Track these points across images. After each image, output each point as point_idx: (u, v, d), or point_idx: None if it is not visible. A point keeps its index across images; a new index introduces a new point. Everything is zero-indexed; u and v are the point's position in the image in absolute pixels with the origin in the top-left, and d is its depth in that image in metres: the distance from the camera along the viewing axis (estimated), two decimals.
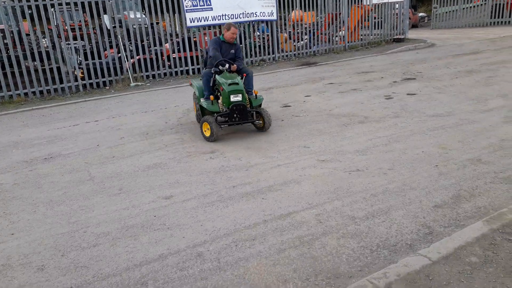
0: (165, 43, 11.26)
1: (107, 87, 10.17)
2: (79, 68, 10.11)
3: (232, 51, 5.89)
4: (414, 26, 23.42)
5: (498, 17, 20.03)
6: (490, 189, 3.59)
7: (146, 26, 11.23)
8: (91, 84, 10.10)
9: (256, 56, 12.50)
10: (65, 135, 6.26)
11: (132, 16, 11.55)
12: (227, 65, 5.60)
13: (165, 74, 11.05)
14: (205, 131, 5.42)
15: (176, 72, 11.16)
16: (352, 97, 7.41)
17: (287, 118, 6.37)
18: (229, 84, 5.32)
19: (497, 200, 3.38)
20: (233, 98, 5.29)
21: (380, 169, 4.16)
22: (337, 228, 3.15)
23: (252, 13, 12.06)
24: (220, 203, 3.65)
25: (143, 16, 11.62)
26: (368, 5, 14.50)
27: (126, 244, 3.12)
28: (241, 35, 12.07)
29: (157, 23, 11.42)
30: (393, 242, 2.92)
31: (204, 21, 11.36)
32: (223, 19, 11.57)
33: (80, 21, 10.34)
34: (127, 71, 10.46)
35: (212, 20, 11.46)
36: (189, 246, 3.01)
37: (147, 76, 10.83)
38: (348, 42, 14.24)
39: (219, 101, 5.52)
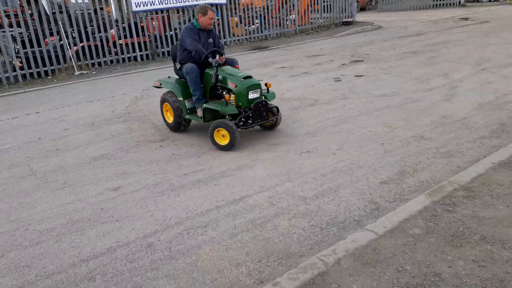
0: (111, 29, 10.77)
1: (49, 77, 9.60)
2: (17, 57, 9.45)
3: (210, 40, 4.89)
4: (362, 9, 23.92)
5: (440, 0, 20.92)
6: (432, 163, 3.77)
7: (89, 11, 10.66)
8: (31, 74, 9.49)
9: None
10: (3, 129, 5.85)
11: (73, 1, 10.91)
12: (217, 57, 4.63)
13: (111, 61, 10.59)
14: (219, 138, 4.42)
15: (124, 59, 10.73)
16: (303, 80, 7.48)
17: None
18: (244, 78, 4.40)
19: (438, 174, 3.56)
20: (251, 95, 4.39)
21: (329, 150, 4.25)
22: (289, 209, 3.18)
23: None
24: (171, 192, 3.57)
25: (86, 1, 11.02)
26: None
27: (72, 239, 2.98)
28: (190, 19, 11.78)
29: (101, 9, 10.88)
30: (341, 219, 3.00)
31: (151, 5, 10.96)
32: (170, 3, 11.22)
33: (15, 7, 9.62)
34: (70, 59, 9.91)
35: (159, 4, 11.08)
36: (139, 237, 2.93)
37: (93, 64, 10.33)
38: (298, 26, 14.32)
39: (230, 100, 4.42)
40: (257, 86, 4.44)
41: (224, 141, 4.39)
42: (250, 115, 4.45)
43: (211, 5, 12.23)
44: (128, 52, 10.80)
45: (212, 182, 3.70)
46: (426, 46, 9.88)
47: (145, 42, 11.00)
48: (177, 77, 5.06)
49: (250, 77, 4.46)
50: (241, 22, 13.26)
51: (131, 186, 3.74)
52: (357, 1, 21.80)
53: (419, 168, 3.70)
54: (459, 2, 20.38)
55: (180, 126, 4.97)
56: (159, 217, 3.18)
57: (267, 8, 13.77)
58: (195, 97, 4.70)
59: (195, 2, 11.69)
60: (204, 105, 4.54)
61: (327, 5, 15.26)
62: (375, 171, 3.70)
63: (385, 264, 2.40)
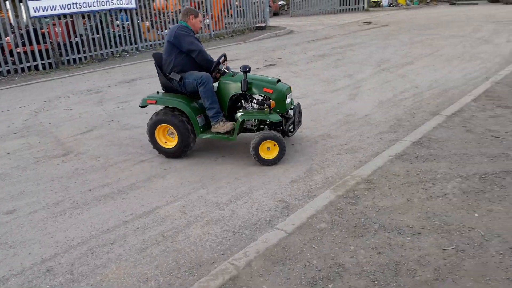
0: (6, 37, 9.82)
1: None
2: None
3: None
4: (275, 14, 24.73)
5: (346, 5, 22.38)
6: (337, 160, 3.98)
7: None
8: None
9: (117, 46, 11.77)
10: None
11: None
12: (225, 63, 4.18)
13: (8, 71, 9.65)
14: (263, 153, 3.90)
15: (22, 69, 9.83)
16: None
17: (151, 110, 6.11)
18: (277, 82, 4.05)
19: (343, 169, 3.77)
20: (287, 100, 4.01)
21: (244, 154, 4.27)
22: (202, 216, 3.14)
23: (108, 1, 11.26)
24: (74, 210, 3.33)
25: None
26: None
27: None
28: (97, 25, 11.21)
29: None
30: (254, 221, 3.03)
31: (52, 10, 10.21)
32: (74, 8, 10.56)
33: None
34: None
35: (61, 9, 10.36)
36: (36, 263, 2.68)
37: None
38: (213, 31, 14.35)
39: (264, 108, 4.01)
40: (290, 89, 4.14)
41: (271, 155, 3.91)
42: (295, 121, 4.11)
43: (120, 9, 11.77)
44: (27, 61, 9.93)
45: (120, 196, 3.52)
46: (334, 49, 10.47)
47: (47, 50, 10.21)
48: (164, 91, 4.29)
49: (279, 80, 4.12)
50: (152, 27, 12.93)
51: (28, 208, 3.41)
52: (270, 6, 22.48)
53: (326, 165, 3.88)
54: (363, 7, 21.99)
55: (188, 149, 4.14)
56: (60, 238, 2.94)
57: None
58: (213, 111, 3.99)
59: (101, 7, 11.15)
60: (242, 117, 3.94)
61: (240, 10, 15.50)
62: (286, 171, 3.81)
63: (293, 261, 2.47)
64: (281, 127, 4.07)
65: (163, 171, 3.97)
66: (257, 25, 15.76)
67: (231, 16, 15.34)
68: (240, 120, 3.93)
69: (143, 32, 12.57)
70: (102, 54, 11.40)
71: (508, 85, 5.74)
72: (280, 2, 26.70)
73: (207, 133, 4.10)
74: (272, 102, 3.89)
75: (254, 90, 4.02)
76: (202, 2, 14.06)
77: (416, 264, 2.37)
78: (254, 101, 4.15)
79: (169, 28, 13.30)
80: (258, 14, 16.11)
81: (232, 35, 14.67)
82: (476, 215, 2.80)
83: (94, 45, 11.29)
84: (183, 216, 3.15)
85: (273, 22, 18.06)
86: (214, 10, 14.41)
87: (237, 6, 15.36)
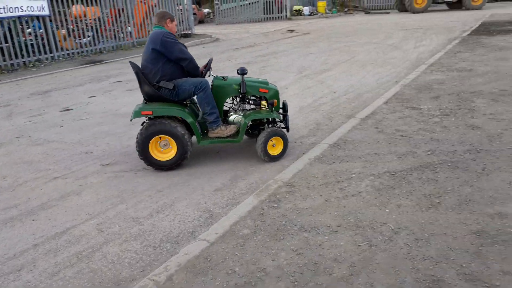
0: None
1: None
2: None
3: None
4: (200, 21, 24.72)
5: (270, 13, 23.02)
6: (261, 165, 4.04)
7: None
8: None
9: (29, 56, 10.95)
10: None
11: None
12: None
13: None
14: (270, 149, 4.04)
15: None
16: (139, 94, 7.23)
17: (67, 123, 5.78)
18: (269, 82, 4.26)
19: (266, 174, 3.84)
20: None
21: None
22: (120, 233, 3.00)
23: (17, 7, 10.45)
24: None
25: None
26: (152, 0, 14.48)
27: None
28: (5, 33, 10.34)
29: None
30: (176, 233, 2.96)
31: None
32: None
33: None
34: None
35: None
36: None
37: None
38: (136, 38, 13.94)
39: (262, 108, 4.12)
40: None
41: (276, 151, 4.08)
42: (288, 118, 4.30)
43: (31, 17, 10.97)
44: None
45: (29, 218, 3.25)
46: (258, 57, 10.69)
47: None
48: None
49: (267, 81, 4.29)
50: (69, 35, 12.22)
51: None
52: (195, 14, 22.41)
53: (250, 171, 3.93)
54: (286, 16, 22.77)
55: (185, 159, 3.99)
56: None
57: (101, 20, 13.02)
58: (214, 116, 3.97)
59: (9, 14, 10.31)
60: (250, 118, 4.01)
61: None
62: (211, 180, 3.79)
63: (216, 270, 2.44)
64: (279, 124, 4.27)
65: (78, 188, 3.75)
66: (182, 32, 15.62)
67: None
68: (248, 121, 4.02)
69: (59, 41, 11.83)
70: (12, 64, 10.54)
71: (415, 88, 6.26)
72: (206, 10, 26.76)
73: (207, 139, 4.05)
74: (275, 101, 4.14)
75: (250, 91, 4.11)
76: (123, 10, 13.61)
77: (333, 261, 2.48)
78: (251, 102, 4.24)
79: (89, 35, 12.74)
80: (182, 21, 15.97)
81: None
82: (387, 210, 3.00)
83: (3, 54, 10.40)
84: (99, 234, 2.99)
85: (198, 30, 18.04)
86: (137, 17, 14.01)
87: None
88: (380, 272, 2.36)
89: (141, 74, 3.87)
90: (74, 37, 12.41)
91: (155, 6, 14.73)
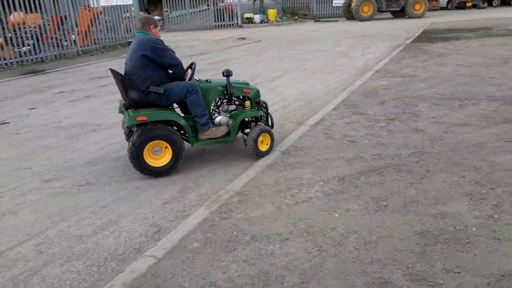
0: None
1: None
2: None
3: None
4: None
5: (221, 21, 23.03)
6: (212, 175, 3.97)
7: None
8: None
9: None
10: None
11: None
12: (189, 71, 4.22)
13: None
14: (261, 145, 4.18)
15: None
16: (84, 105, 6.95)
17: (4, 137, 5.39)
18: (249, 83, 4.46)
19: (217, 185, 3.76)
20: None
21: (111, 178, 4.00)
22: (61, 253, 2.81)
23: None
24: None
25: None
26: (97, 7, 14.01)
27: None
28: None
29: None
30: (121, 250, 2.82)
31: None
32: None
33: None
34: None
35: None
36: None
37: None
38: (81, 47, 13.40)
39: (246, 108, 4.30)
40: None
41: (265, 147, 4.23)
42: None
43: None
44: None
45: None
46: (209, 65, 10.62)
47: None
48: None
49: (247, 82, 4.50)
50: (7, 44, 11.51)
51: None
52: None
53: (201, 181, 3.84)
54: (237, 23, 22.88)
55: (179, 162, 3.97)
56: None
57: (43, 28, 12.39)
58: (205, 118, 4.02)
59: None
60: (240, 117, 4.13)
61: (111, 25, 14.79)
62: (159, 192, 3.66)
63: (164, 287, 2.34)
64: (264, 121, 4.48)
65: (15, 207, 3.48)
66: (130, 40, 15.22)
67: (101, 31, 14.53)
68: (239, 120, 4.11)
69: None
70: None
71: (362, 94, 6.47)
72: (155, 17, 26.29)
73: (199, 141, 4.08)
74: (261, 100, 4.40)
75: (235, 92, 4.26)
76: (66, 17, 13.05)
77: (284, 270, 2.45)
78: (236, 102, 4.42)
79: (29, 44, 12.04)
80: (130, 29, 15.58)
81: (103, 51, 13.89)
82: (336, 215, 3.03)
83: None
84: (38, 256, 2.78)
85: None
86: (81, 25, 13.48)
87: (106, 21, 14.62)
88: (331, 278, 2.36)
89: (128, 81, 3.73)
90: (13, 45, 11.71)
91: (101, 13, 14.28)
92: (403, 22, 19.48)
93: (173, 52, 3.95)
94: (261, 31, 19.92)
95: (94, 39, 14.12)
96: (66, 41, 13.08)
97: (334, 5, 25.47)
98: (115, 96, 7.43)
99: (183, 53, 13.22)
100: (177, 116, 3.87)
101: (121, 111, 4.20)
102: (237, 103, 4.42)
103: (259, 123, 4.37)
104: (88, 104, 6.99)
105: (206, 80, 4.28)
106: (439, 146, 4.13)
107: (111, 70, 4.00)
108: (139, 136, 3.72)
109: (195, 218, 3.10)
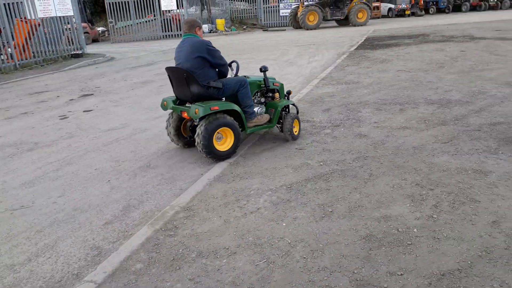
0: None
1: None
2: None
3: None
4: (94, 40, 23.47)
5: (169, 31, 22.74)
6: (157, 191, 3.83)
7: None
8: None
9: None
10: None
11: None
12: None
13: None
14: (294, 130, 4.80)
15: None
16: (21, 122, 6.53)
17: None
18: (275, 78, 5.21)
19: (162, 201, 3.63)
20: None
21: (49, 199, 3.75)
22: None
23: None
24: None
25: None
26: (35, 19, 13.32)
27: None
28: None
29: None
30: (58, 277, 2.62)
31: None
32: None
33: None
34: None
35: None
36: None
37: None
38: (18, 61, 12.66)
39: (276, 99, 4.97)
40: None
41: (297, 131, 4.84)
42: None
43: None
44: None
45: None
46: (157, 75, 10.40)
47: None
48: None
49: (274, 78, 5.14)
50: None
51: None
52: (87, 33, 21.22)
53: (145, 198, 3.69)
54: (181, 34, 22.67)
55: (238, 147, 4.49)
56: None
57: None
58: (251, 108, 4.58)
59: None
60: (281, 105, 4.77)
61: (52, 37, 14.13)
62: (100, 212, 3.47)
63: None
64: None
65: None
66: (72, 52, 14.61)
67: (40, 43, 13.83)
68: (280, 108, 4.73)
69: None
70: None
71: (309, 102, 6.58)
72: (100, 28, 25.50)
73: (248, 128, 4.57)
74: (291, 91, 5.15)
75: (270, 85, 4.91)
76: (0, 30, 12.30)
77: (231, 285, 2.39)
78: (270, 94, 5.02)
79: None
80: (73, 41, 14.96)
81: (43, 65, 13.22)
82: (284, 224, 3.01)
83: None
84: None
85: (92, 49, 17.09)
86: (18, 38, 12.75)
87: (45, 33, 13.94)
88: None
89: (193, 77, 4.17)
90: None
91: (39, 25, 13.59)
92: (347, 30, 20.24)
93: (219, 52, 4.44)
94: (210, 40, 19.86)
95: (33, 52, 13.39)
96: (1, 54, 12.31)
97: (281, 14, 26.00)
98: (55, 112, 7.06)
99: (128, 64, 12.89)
100: (237, 107, 4.37)
101: (164, 108, 4.65)
102: (270, 95, 5.01)
103: (286, 110, 4.99)
104: (25, 121, 6.58)
105: (245, 76, 4.76)
106: (382, 150, 4.27)
107: (170, 68, 4.38)
108: (211, 123, 4.16)
109: (138, 237, 2.96)
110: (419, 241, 2.69)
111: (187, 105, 4.42)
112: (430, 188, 3.37)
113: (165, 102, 4.60)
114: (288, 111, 5.01)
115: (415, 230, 2.81)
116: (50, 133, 5.84)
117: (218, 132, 4.24)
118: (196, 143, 4.22)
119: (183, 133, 4.78)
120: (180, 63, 4.27)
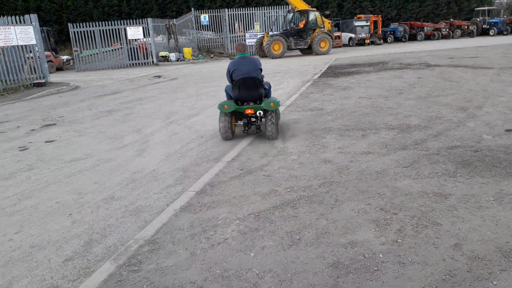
0: None
1: None
2: None
3: None
4: (59, 69, 22.98)
5: (136, 59, 22.63)
6: (121, 224, 3.71)
7: None
8: None
9: None
10: None
11: None
12: None
13: None
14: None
15: None
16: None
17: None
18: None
19: (126, 234, 3.52)
20: None
21: (4, 237, 3.55)
22: None
23: None
24: None
25: None
26: None
27: None
28: None
29: None
30: None
31: None
32: None
33: None
34: None
35: None
36: None
37: None
38: None
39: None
40: None
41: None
42: None
43: None
44: None
45: None
46: (122, 104, 10.26)
47: None
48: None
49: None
50: None
51: None
52: (51, 61, 20.81)
53: (108, 232, 3.56)
54: (153, 61, 22.69)
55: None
56: None
57: None
58: None
59: None
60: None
61: (13, 66, 13.73)
62: (60, 249, 3.31)
63: None
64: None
65: None
66: (34, 81, 14.22)
67: (0, 73, 13.40)
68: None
69: None
70: None
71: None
72: (65, 57, 25.06)
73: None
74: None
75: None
76: None
77: None
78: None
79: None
80: (35, 70, 14.59)
81: (3, 94, 12.77)
82: (252, 254, 2.98)
83: None
84: None
85: (56, 77, 16.72)
86: None
87: (6, 62, 13.55)
88: None
89: (261, 83, 5.92)
90: None
91: (0, 53, 13.22)
92: (311, 59, 20.87)
93: None
94: (178, 68, 19.94)
95: None
96: None
97: (247, 43, 26.50)
98: (15, 143, 6.79)
99: (93, 93, 12.66)
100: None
101: (226, 110, 5.93)
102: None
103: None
104: None
105: None
106: (346, 175, 4.35)
107: (244, 78, 5.82)
108: (277, 114, 6.10)
109: (100, 274, 2.83)
110: (385, 266, 2.72)
111: (251, 104, 5.94)
112: (394, 213, 3.45)
113: (226, 106, 5.85)
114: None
115: (380, 255, 2.84)
116: (8, 165, 5.59)
117: None
118: (268, 129, 5.83)
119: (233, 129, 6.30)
120: (246, 73, 5.84)
